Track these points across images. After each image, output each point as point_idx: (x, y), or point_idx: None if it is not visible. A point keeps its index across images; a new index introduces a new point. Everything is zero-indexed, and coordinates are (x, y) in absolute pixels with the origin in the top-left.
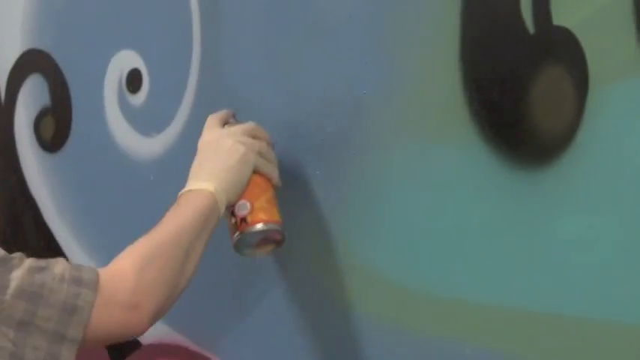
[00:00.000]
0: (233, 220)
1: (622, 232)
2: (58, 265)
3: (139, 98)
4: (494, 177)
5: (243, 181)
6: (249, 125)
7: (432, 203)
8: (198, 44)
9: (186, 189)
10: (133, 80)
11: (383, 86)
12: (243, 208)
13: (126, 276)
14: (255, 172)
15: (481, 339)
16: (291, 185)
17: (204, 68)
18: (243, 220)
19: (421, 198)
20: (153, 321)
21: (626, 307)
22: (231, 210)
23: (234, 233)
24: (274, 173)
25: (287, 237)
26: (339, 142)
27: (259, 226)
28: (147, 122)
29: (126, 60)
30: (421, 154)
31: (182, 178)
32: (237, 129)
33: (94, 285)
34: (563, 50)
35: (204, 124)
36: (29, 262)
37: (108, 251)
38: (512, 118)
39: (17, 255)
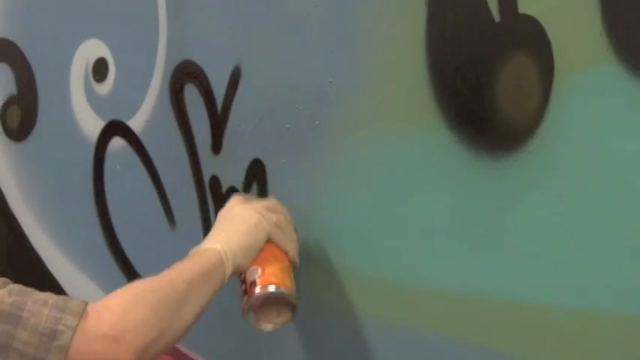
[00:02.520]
0: (243, 287)
1: (587, 219)
2: (43, 293)
3: (105, 87)
4: (459, 165)
5: (255, 246)
6: (269, 201)
7: (398, 192)
8: (164, 33)
9: (195, 249)
10: (99, 69)
11: (349, 75)
12: (254, 272)
13: (112, 309)
14: (272, 243)
15: (448, 326)
16: (259, 173)
17: (171, 57)
18: (253, 283)
19: (387, 186)
20: (139, 356)
21: (592, 293)
22: (242, 278)
23: (243, 298)
24: (291, 247)
25: None
26: (305, 130)
27: (269, 287)
28: (113, 111)
29: (92, 49)
30: (387, 142)
31: (149, 168)
32: (256, 202)
33: (79, 313)
34: (529, 38)
35: (170, 112)
36: (13, 285)
37: (74, 240)
38: (478, 107)
39: (2, 279)
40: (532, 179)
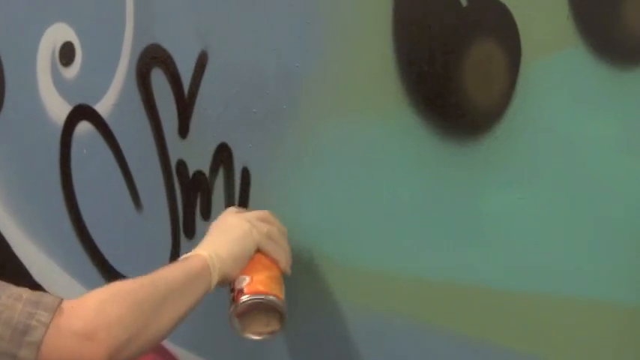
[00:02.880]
0: (232, 295)
1: (553, 204)
2: (18, 288)
3: (72, 71)
4: (426, 150)
5: (244, 255)
6: (261, 212)
7: (365, 177)
8: (131, 17)
9: (183, 255)
10: (66, 53)
11: (316, 60)
12: (242, 281)
13: (87, 306)
14: (262, 252)
15: (416, 312)
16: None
17: (137, 41)
18: (240, 291)
19: (354, 171)
20: (112, 356)
21: (559, 278)
22: (231, 287)
23: (231, 306)
24: (282, 258)
25: None
26: (272, 115)
27: (256, 295)
28: (80, 95)
29: (59, 33)
30: (354, 127)
31: (115, 152)
32: (248, 213)
33: (52, 308)
34: (496, 23)
35: (137, 96)
36: None
37: (41, 224)
38: (445, 91)
39: None
40: (499, 164)
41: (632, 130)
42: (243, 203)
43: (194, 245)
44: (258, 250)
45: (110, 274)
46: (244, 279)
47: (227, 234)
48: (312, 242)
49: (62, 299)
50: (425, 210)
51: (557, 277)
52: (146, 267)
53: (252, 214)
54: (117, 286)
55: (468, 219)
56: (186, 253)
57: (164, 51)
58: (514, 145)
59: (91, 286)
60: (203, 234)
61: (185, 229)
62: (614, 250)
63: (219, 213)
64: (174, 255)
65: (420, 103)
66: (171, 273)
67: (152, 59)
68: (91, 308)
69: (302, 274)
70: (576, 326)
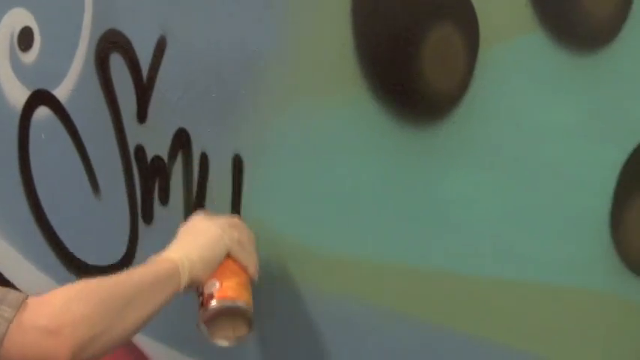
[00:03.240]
0: (200, 299)
1: (510, 189)
2: None
3: (30, 56)
4: (385, 135)
5: (214, 259)
6: (231, 218)
7: (323, 162)
8: (90, 2)
9: (153, 257)
10: (25, 38)
11: (274, 44)
12: (212, 286)
13: (52, 303)
14: (232, 259)
15: (374, 295)
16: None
17: (96, 26)
18: (210, 296)
19: (312, 156)
20: (76, 353)
21: (515, 263)
22: (200, 291)
23: (200, 311)
24: (250, 264)
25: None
26: (231, 99)
27: (225, 300)
28: (39, 80)
29: (17, 18)
30: (312, 112)
31: (74, 137)
32: (218, 218)
33: (17, 304)
34: (455, 8)
35: (96, 82)
36: None
37: None
38: (403, 77)
39: None
40: (457, 149)
41: (590, 115)
42: (202, 189)
43: (152, 230)
44: (228, 256)
45: (68, 259)
46: (214, 284)
47: (197, 238)
48: (270, 227)
49: (27, 295)
50: (384, 195)
51: (516, 263)
52: (104, 252)
53: (222, 220)
54: (83, 284)
55: (427, 204)
56: (145, 239)
57: (123, 36)
58: (473, 130)
59: (49, 271)
60: (161, 219)
61: (143, 214)
62: (573, 235)
63: (177, 198)
64: (133, 240)
65: (378, 88)
66: (139, 274)
67: (111, 44)
68: (57, 305)
69: (261, 258)
70: (534, 311)
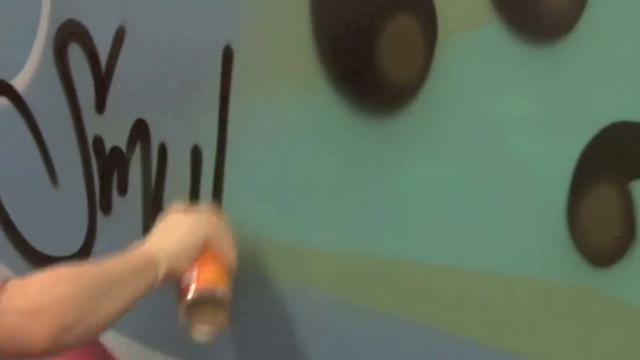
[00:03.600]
0: (179, 290)
1: (468, 180)
2: None
3: None
4: (343, 124)
5: (192, 250)
6: (208, 209)
7: (281, 152)
8: None
9: (130, 248)
10: None
11: (233, 34)
12: (190, 276)
13: (32, 286)
14: (210, 249)
15: (333, 286)
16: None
17: (55, 16)
18: (188, 285)
19: (271, 146)
20: (55, 337)
21: (472, 253)
22: (179, 283)
23: (179, 300)
24: (229, 251)
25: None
26: (190, 90)
27: (204, 289)
28: None
29: None
30: (271, 102)
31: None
32: (195, 210)
33: None
34: None
35: (54, 72)
36: None
37: None
38: (361, 67)
39: None
40: (414, 140)
41: (547, 107)
42: (160, 179)
43: (110, 221)
44: (206, 247)
45: (25, 249)
46: (192, 274)
47: (175, 230)
48: (229, 216)
49: (8, 278)
50: (342, 185)
51: (473, 252)
52: (62, 243)
53: (199, 212)
54: (63, 269)
55: (385, 194)
56: (103, 230)
57: (81, 26)
58: (430, 120)
59: (7, 262)
60: (119, 210)
61: (102, 205)
62: (529, 226)
63: (135, 189)
64: (91, 230)
65: (337, 78)
66: (116, 264)
67: (69, 34)
68: (37, 289)
69: None
70: (489, 299)
